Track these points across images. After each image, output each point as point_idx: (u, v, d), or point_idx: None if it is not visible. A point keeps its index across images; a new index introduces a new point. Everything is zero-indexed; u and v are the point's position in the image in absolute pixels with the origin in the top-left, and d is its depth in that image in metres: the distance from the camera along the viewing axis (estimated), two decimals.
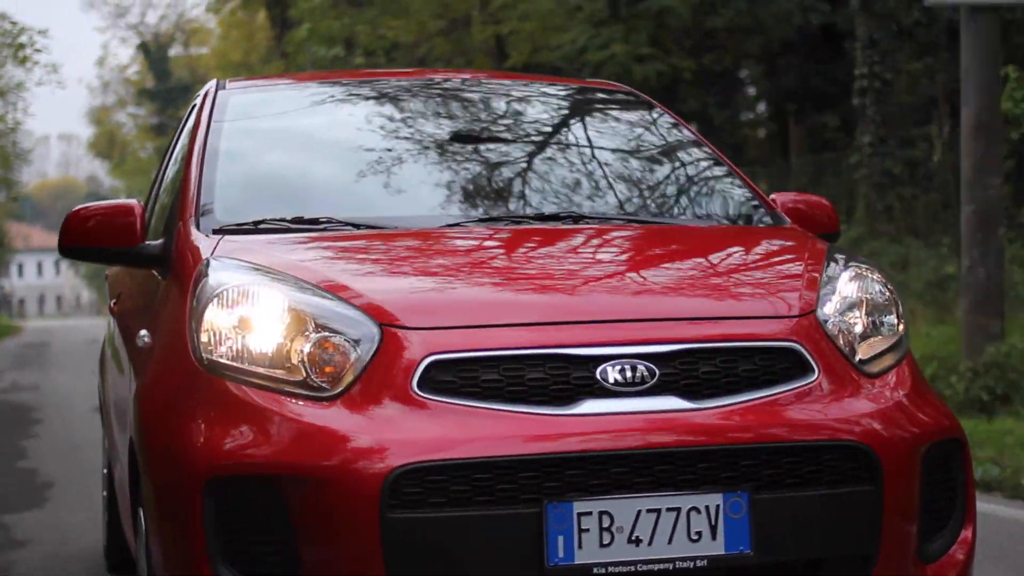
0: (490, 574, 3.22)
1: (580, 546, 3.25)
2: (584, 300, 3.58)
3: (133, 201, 4.23)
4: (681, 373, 3.41)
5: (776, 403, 3.44)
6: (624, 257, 3.98)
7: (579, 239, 4.06)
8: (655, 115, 5.01)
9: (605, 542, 3.27)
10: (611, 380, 3.36)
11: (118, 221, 4.15)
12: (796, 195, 4.67)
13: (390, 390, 3.34)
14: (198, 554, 3.32)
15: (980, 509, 4.16)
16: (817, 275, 3.78)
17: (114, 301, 5.48)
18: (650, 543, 3.28)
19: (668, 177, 4.72)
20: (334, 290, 3.53)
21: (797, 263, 3.91)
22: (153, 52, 56.55)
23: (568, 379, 3.35)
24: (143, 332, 4.09)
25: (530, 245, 3.99)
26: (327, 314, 3.46)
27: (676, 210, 4.54)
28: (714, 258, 4.00)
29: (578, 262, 3.88)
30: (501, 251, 3.96)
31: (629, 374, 3.38)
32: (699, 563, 3.30)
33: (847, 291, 3.76)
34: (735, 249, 4.13)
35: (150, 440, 3.60)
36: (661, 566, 3.28)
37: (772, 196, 4.61)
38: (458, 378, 3.34)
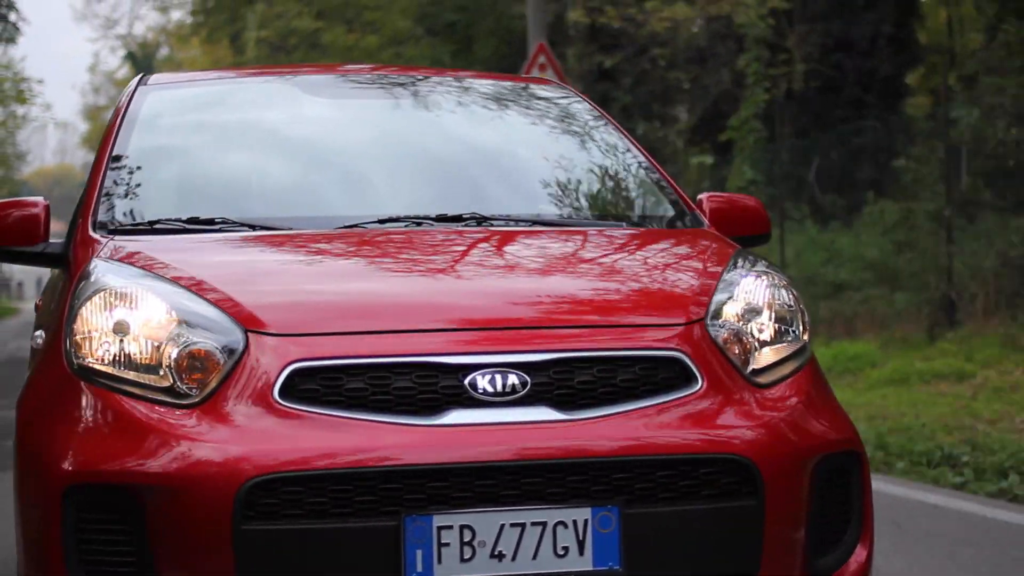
0: None
1: (440, 561, 3.08)
2: (458, 306, 3.39)
3: (38, 199, 4.07)
4: (555, 383, 3.23)
5: (654, 414, 3.25)
6: (511, 261, 3.77)
7: (470, 242, 3.86)
8: (583, 113, 4.78)
9: (466, 557, 3.10)
10: (480, 389, 3.18)
11: (21, 219, 4.00)
12: (723, 196, 4.44)
13: (251, 398, 3.17)
14: (56, 562, 3.18)
15: None
16: (713, 281, 3.59)
17: (40, 298, 5.26)
18: (514, 558, 3.11)
19: (585, 177, 4.53)
20: (207, 294, 3.36)
21: (696, 268, 3.73)
22: (140, 60, 59.18)
23: (436, 388, 3.18)
24: (38, 333, 3.97)
25: (416, 248, 3.81)
26: (197, 319, 3.29)
27: (588, 211, 4.37)
28: (607, 262, 3.83)
29: (462, 266, 3.68)
30: (384, 255, 3.78)
31: (499, 383, 3.20)
32: None
33: (746, 297, 3.56)
34: (633, 253, 3.96)
35: (20, 445, 3.45)
36: None
37: (700, 196, 4.42)
38: (322, 386, 3.17)
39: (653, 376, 3.31)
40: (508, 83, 5.05)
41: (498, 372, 3.21)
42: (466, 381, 3.19)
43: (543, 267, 3.70)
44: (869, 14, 20.34)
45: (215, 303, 3.33)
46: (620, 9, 20.56)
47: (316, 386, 3.17)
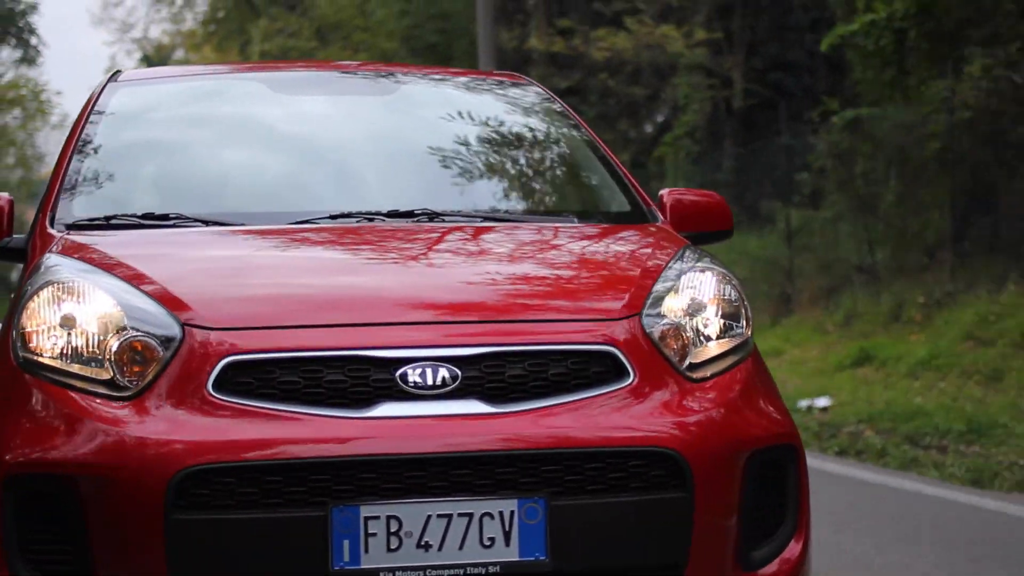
0: None
1: (367, 550, 3.08)
2: (392, 301, 3.39)
3: (2, 194, 4.07)
4: (486, 376, 3.22)
5: (585, 407, 3.23)
6: (451, 257, 3.76)
7: (414, 238, 3.84)
8: (547, 108, 4.75)
9: (393, 547, 3.10)
10: (411, 383, 3.18)
11: None
12: (687, 192, 4.38)
13: (186, 390, 3.17)
14: None
15: None
16: (653, 277, 3.55)
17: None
18: (440, 548, 3.11)
19: (542, 174, 4.55)
20: (150, 288, 3.37)
21: (637, 263, 3.69)
22: (155, 63, 59.26)
23: (367, 381, 3.18)
24: None
25: (360, 244, 3.80)
26: (138, 313, 3.29)
27: (541, 207, 4.37)
28: (549, 258, 3.82)
29: (402, 262, 3.67)
30: (328, 250, 3.78)
31: (430, 377, 3.19)
32: (491, 569, 3.13)
33: (689, 292, 3.53)
34: (576, 248, 3.92)
35: None
36: (452, 572, 3.11)
37: (661, 192, 4.37)
38: (256, 380, 3.17)
39: (585, 370, 3.29)
40: (481, 79, 5.03)
41: (429, 366, 3.20)
42: (397, 375, 3.19)
43: (483, 263, 3.70)
44: (809, 36, 22.51)
45: (156, 297, 3.33)
46: (566, 38, 23.64)
47: (250, 379, 3.17)
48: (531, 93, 4.86)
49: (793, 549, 3.47)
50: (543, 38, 23.68)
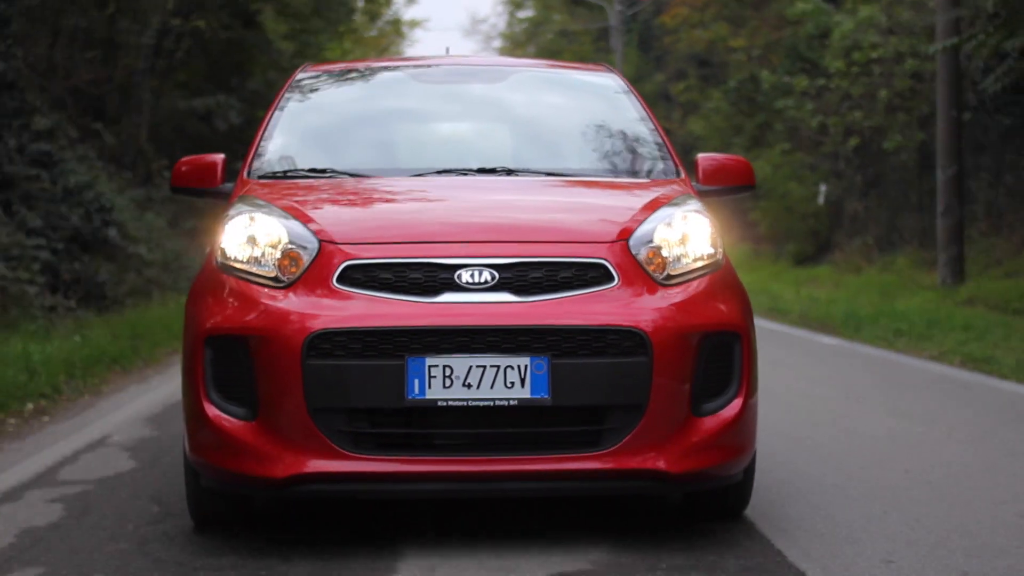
0: (371, 403, 4.42)
1: (429, 387, 4.40)
2: (457, 226, 4.69)
3: (218, 155, 5.58)
4: (515, 278, 4.50)
5: (582, 300, 4.50)
6: (507, 198, 5.06)
7: (488, 185, 5.20)
8: (619, 92, 6.03)
9: (447, 385, 4.40)
10: (464, 281, 4.49)
11: (204, 169, 5.53)
12: (714, 156, 5.64)
13: (320, 283, 4.54)
14: (199, 384, 4.60)
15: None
16: (645, 215, 4.78)
17: None
18: (478, 387, 4.40)
19: (602, 142, 5.78)
20: (302, 217, 4.73)
21: (641, 205, 4.90)
22: None
23: (436, 279, 4.49)
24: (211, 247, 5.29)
25: (449, 189, 5.15)
26: (292, 234, 4.65)
27: (593, 166, 5.57)
28: (578, 200, 5.12)
29: (472, 201, 5.01)
30: (424, 193, 5.13)
31: (477, 277, 4.50)
32: (512, 402, 4.41)
33: (666, 227, 4.74)
34: (604, 194, 5.18)
35: (185, 313, 4.88)
36: (484, 403, 4.41)
37: (697, 155, 5.64)
38: (364, 276, 4.51)
39: (584, 275, 4.57)
40: (568, 67, 6.44)
41: (477, 269, 4.53)
42: (455, 275, 4.52)
43: (529, 203, 5.02)
44: None
45: (304, 223, 4.73)
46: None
47: (360, 275, 4.55)
48: (610, 80, 6.18)
49: (735, 405, 4.69)
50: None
